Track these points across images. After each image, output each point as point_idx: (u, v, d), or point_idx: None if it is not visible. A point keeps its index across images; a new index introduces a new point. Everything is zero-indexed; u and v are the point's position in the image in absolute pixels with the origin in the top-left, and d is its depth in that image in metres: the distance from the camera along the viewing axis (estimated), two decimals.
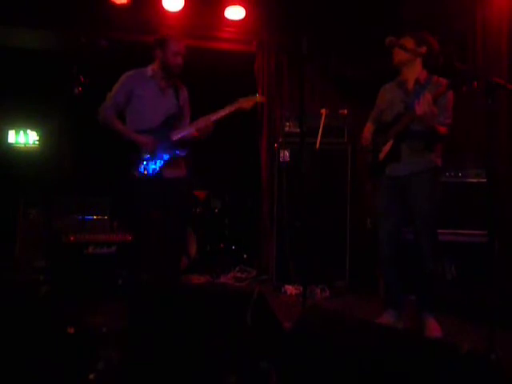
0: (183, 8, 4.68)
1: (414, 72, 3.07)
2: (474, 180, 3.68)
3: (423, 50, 3.00)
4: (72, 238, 3.92)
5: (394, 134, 3.03)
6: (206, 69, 4.24)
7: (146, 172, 3.25)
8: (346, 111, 4.50)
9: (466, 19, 4.29)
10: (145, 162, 3.25)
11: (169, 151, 3.29)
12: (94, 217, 4.54)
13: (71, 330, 2.03)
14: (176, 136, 3.33)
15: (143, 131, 3.28)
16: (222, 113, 3.34)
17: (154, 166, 3.27)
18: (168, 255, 3.36)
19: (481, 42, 4.16)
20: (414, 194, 2.99)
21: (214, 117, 3.33)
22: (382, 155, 3.12)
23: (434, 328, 2.92)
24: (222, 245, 5.31)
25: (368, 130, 3.33)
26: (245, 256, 5.28)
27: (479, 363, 1.29)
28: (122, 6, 4.49)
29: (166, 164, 3.28)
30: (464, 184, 3.69)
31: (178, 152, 3.32)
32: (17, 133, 5.16)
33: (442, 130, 2.92)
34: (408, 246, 3.09)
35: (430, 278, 2.98)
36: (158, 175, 3.25)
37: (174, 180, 3.32)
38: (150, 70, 3.40)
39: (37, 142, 5.18)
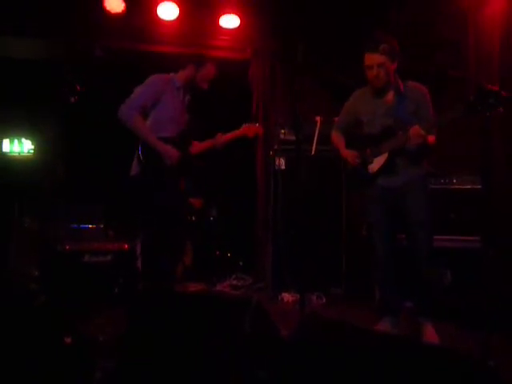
0: (178, 17, 4.69)
1: (390, 81, 3.02)
2: (469, 186, 3.71)
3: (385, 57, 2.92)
4: (67, 247, 3.90)
5: (388, 148, 3.02)
6: None
7: None
8: None
9: (459, 25, 4.32)
10: None
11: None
12: (90, 225, 4.51)
13: (68, 340, 2.02)
14: (196, 150, 3.55)
15: (161, 139, 3.28)
16: (231, 136, 3.68)
17: None
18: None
19: (473, 47, 4.20)
20: (410, 201, 3.01)
21: (226, 138, 3.66)
22: (374, 167, 3.11)
23: (431, 334, 2.92)
24: (217, 252, 5.29)
25: (341, 144, 3.33)
26: (241, 264, 5.27)
27: (478, 369, 1.30)
28: (117, 14, 4.50)
29: None
30: (459, 190, 3.71)
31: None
32: (11, 141, 5.11)
33: (432, 139, 2.95)
34: (403, 253, 3.10)
35: (427, 284, 2.99)
36: None
37: None
38: (177, 80, 3.45)
39: (31, 151, 5.14)
